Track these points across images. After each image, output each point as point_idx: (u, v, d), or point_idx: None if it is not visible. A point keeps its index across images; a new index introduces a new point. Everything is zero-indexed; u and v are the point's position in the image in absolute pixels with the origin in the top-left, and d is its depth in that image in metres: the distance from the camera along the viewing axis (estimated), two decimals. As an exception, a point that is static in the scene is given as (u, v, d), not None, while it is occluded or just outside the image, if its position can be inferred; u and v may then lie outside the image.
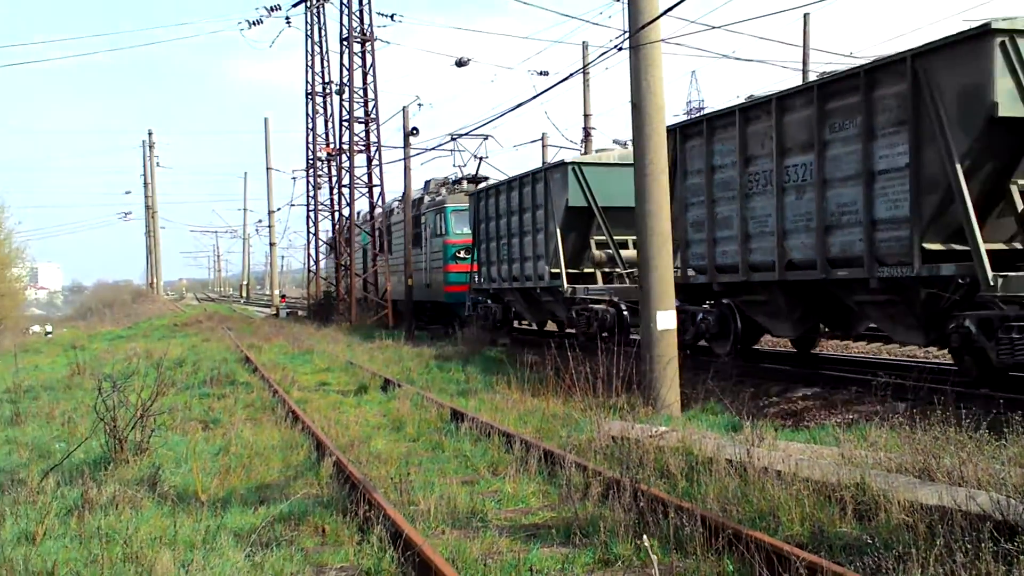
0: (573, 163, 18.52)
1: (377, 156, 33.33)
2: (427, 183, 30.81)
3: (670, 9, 11.36)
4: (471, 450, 8.94)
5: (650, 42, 11.31)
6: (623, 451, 7.70)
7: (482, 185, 23.07)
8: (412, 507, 6.67)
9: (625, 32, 11.88)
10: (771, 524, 5.73)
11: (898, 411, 8.83)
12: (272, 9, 38.24)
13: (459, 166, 28.67)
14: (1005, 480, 5.74)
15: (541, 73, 31.86)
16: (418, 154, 29.47)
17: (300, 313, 42.67)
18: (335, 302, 34.89)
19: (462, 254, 25.88)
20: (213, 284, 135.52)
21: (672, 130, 13.92)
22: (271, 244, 62.60)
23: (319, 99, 40.04)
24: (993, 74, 9.38)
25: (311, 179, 41.32)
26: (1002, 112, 9.41)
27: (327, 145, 37.99)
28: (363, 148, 33.47)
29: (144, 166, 64.48)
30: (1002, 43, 9.40)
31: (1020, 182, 9.95)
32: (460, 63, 28.57)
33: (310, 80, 40.58)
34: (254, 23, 38.41)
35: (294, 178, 74.53)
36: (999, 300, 9.34)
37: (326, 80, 39.53)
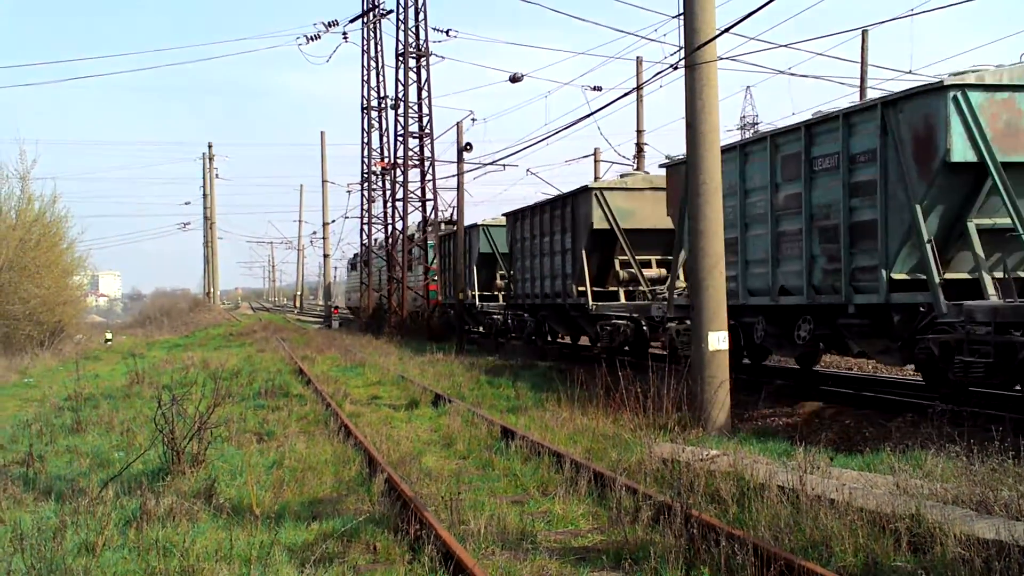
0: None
1: (431, 171, 33.61)
2: (418, 223, 36.28)
3: (727, 29, 11.36)
4: (521, 469, 8.96)
5: (705, 61, 11.29)
6: (674, 474, 7.67)
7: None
8: (463, 527, 6.71)
9: (680, 49, 11.88)
10: (824, 554, 5.68)
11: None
12: (330, 24, 38.80)
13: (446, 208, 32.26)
14: (1066, 515, 5.64)
15: (595, 88, 31.82)
16: (471, 170, 29.69)
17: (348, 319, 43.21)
18: (386, 314, 35.19)
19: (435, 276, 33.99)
20: (267, 294, 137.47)
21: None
22: (325, 256, 63.39)
23: (374, 113, 40.56)
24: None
25: (365, 192, 41.84)
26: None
27: (382, 159, 38.42)
28: (417, 163, 33.79)
29: (204, 178, 65.65)
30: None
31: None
32: (514, 78, 28.69)
33: (366, 94, 41.15)
34: (312, 38, 39.02)
35: (349, 191, 75.21)
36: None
37: (381, 95, 40.07)
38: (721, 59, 12.21)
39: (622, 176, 22.46)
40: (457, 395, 14.66)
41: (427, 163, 33.61)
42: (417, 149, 33.72)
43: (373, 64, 40.62)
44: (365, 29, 40.62)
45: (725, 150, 14.00)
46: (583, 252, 20.06)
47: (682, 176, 14.81)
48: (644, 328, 17.67)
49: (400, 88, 33.61)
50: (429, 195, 33.74)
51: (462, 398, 14.30)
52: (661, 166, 18.41)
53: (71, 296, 36.87)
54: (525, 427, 11.05)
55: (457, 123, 29.27)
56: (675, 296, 15.94)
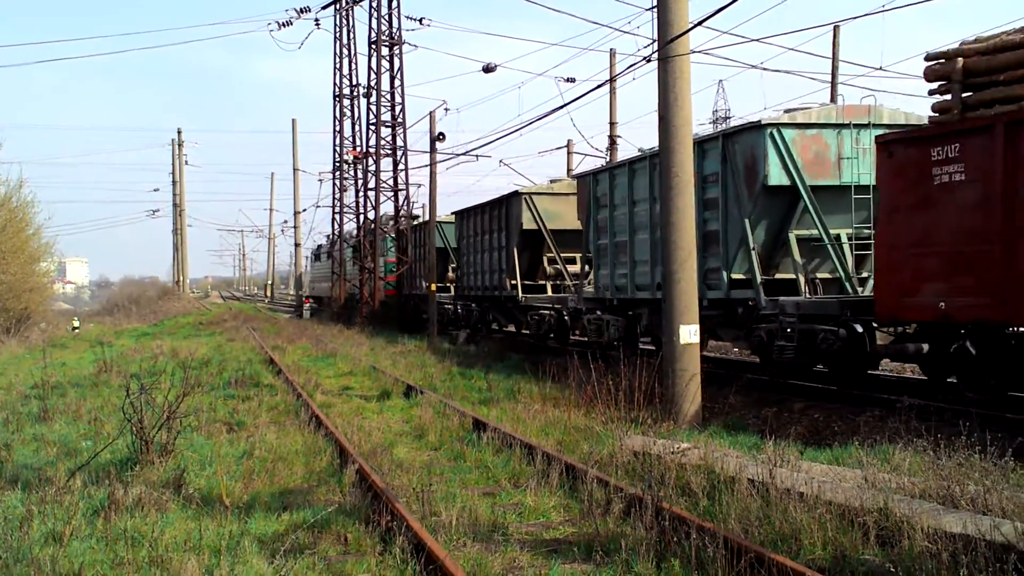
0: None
1: (403, 160, 33.47)
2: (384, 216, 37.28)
3: (700, 23, 11.36)
4: (493, 461, 8.96)
5: (678, 55, 11.31)
6: (645, 467, 7.71)
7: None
8: (434, 518, 6.71)
9: (654, 42, 11.89)
10: (793, 547, 5.73)
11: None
12: (302, 11, 38.45)
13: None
14: (1030, 509, 5.72)
15: (568, 80, 31.68)
16: (444, 160, 29.58)
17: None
18: (358, 304, 35.08)
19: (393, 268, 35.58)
20: (238, 283, 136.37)
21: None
22: (296, 245, 62.87)
23: (347, 102, 40.29)
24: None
25: (337, 181, 41.59)
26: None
27: (354, 148, 38.19)
28: (389, 152, 33.63)
29: (173, 164, 64.96)
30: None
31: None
32: (488, 69, 28.55)
33: (338, 82, 40.84)
34: (283, 24, 38.68)
35: (320, 180, 74.73)
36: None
37: (354, 83, 39.80)
38: (694, 52, 12.21)
39: (551, 181, 24.89)
40: (429, 386, 14.64)
41: (399, 152, 33.48)
42: (390, 138, 33.56)
43: (346, 52, 40.33)
44: (338, 16, 40.32)
45: (616, 166, 17.59)
46: (515, 250, 22.77)
47: (588, 186, 18.58)
48: (565, 318, 19.93)
49: (373, 76, 33.42)
50: (401, 185, 33.60)
51: (434, 389, 14.28)
52: (572, 176, 22.61)
53: (38, 283, 36.44)
54: (497, 419, 11.05)
55: (430, 112, 29.15)
56: (584, 290, 18.88)
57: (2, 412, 12.22)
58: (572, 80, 31.36)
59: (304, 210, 61.95)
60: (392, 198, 33.89)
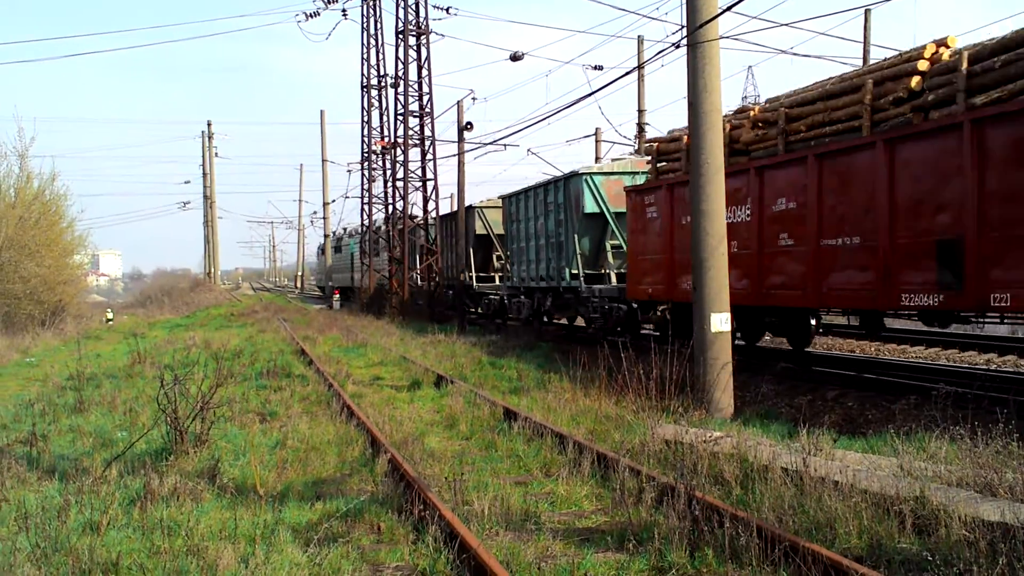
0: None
1: (431, 150, 33.49)
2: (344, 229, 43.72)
3: (729, 8, 11.26)
4: (524, 450, 8.97)
5: (707, 40, 11.22)
6: (677, 456, 7.68)
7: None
8: (466, 507, 6.71)
9: (682, 27, 11.81)
10: (828, 536, 5.68)
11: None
12: (329, 1, 38.58)
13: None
14: (1070, 497, 5.63)
15: (596, 68, 31.58)
16: (472, 149, 29.59)
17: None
18: (388, 295, 35.20)
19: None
20: (268, 274, 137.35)
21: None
22: (325, 236, 63.24)
23: (374, 92, 40.38)
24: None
25: (366, 172, 41.72)
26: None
27: (382, 138, 38.27)
28: (417, 142, 33.66)
29: (203, 156, 65.54)
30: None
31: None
32: (515, 57, 28.53)
33: (365, 73, 40.97)
34: (311, 15, 38.86)
35: (349, 171, 75.03)
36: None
37: (381, 73, 39.88)
38: (723, 38, 12.11)
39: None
40: (459, 376, 14.67)
41: (427, 142, 33.49)
42: (417, 128, 33.59)
43: (373, 42, 40.44)
44: (364, 6, 40.41)
45: (521, 192, 24.57)
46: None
47: (507, 205, 25.97)
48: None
49: (400, 66, 33.44)
50: (429, 175, 33.62)
51: (464, 379, 14.30)
52: (499, 197, 27.51)
53: (71, 275, 36.84)
54: (527, 408, 11.06)
55: (458, 102, 29.16)
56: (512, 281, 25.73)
57: (39, 403, 12.39)
58: (600, 68, 31.27)
59: (333, 201, 62.41)
60: (420, 188, 33.93)
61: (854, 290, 12.11)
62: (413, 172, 34.04)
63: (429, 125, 33.59)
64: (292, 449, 9.01)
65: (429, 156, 33.59)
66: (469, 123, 28.65)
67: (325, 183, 63.30)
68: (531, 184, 24.17)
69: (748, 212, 14.26)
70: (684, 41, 11.63)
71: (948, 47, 11.38)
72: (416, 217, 35.06)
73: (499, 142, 29.08)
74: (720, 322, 11.10)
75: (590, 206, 20.50)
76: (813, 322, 15.13)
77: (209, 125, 64.27)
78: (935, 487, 6.14)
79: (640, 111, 33.37)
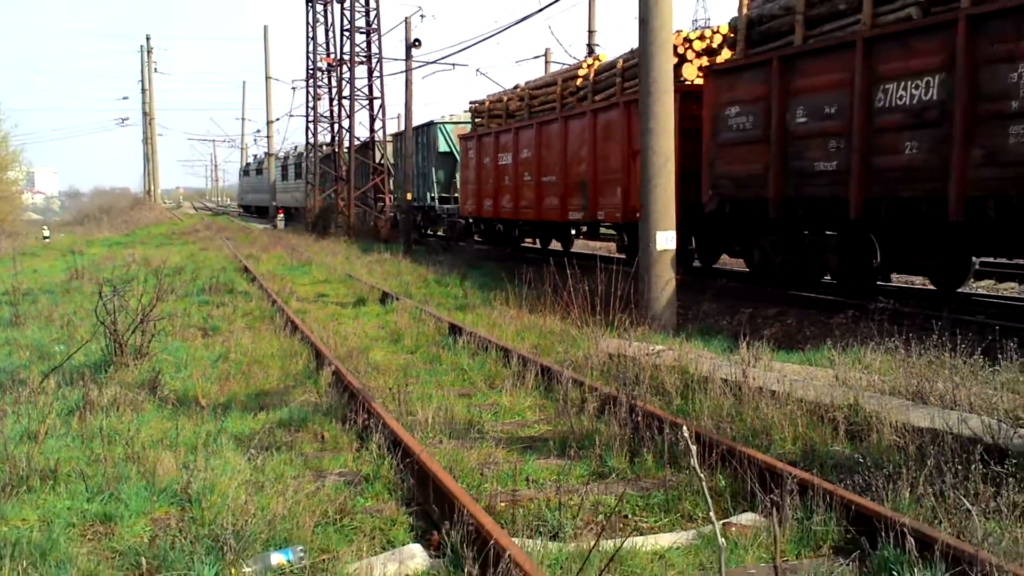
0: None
1: (378, 68, 32.84)
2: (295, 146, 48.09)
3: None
4: (468, 364, 9.01)
5: (660, -45, 11.04)
6: (619, 368, 7.76)
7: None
8: (410, 417, 6.74)
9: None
10: (764, 442, 5.82)
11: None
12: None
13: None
14: (997, 405, 5.83)
15: (547, -14, 31.11)
16: (419, 67, 29.09)
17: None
18: (333, 214, 34.83)
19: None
20: (210, 193, 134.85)
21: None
22: (267, 154, 62.01)
23: (320, 7, 39.27)
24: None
25: (311, 90, 40.81)
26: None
27: (327, 55, 37.40)
28: (364, 59, 32.96)
29: (142, 71, 63.53)
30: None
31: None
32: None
33: (311, -13, 39.73)
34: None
35: (294, 88, 73.61)
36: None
37: (327, -13, 38.72)
38: (676, -46, 11.94)
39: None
40: (405, 294, 14.63)
41: (374, 60, 32.81)
42: (364, 45, 32.84)
43: (318, -45, 39.15)
44: (310, -83, 39.01)
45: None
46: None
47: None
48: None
49: (346, -20, 32.53)
50: (376, 93, 33.02)
51: (410, 296, 14.27)
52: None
53: (6, 192, 35.88)
54: (473, 324, 11.08)
55: (406, 18, 28.52)
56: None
57: (-27, 318, 12.09)
58: (550, -15, 30.65)
59: (277, 119, 61.37)
60: (367, 107, 33.34)
61: (552, 208, 19.74)
62: (360, 90, 33.41)
63: (376, 42, 32.89)
64: (235, 363, 8.92)
65: (376, 74, 32.95)
66: (417, 40, 28.08)
67: (269, 101, 62.14)
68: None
69: (509, 157, 21.78)
70: (635, -46, 11.43)
71: (599, 60, 18.99)
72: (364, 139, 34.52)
73: (447, 60, 28.75)
74: (665, 240, 11.16)
75: (443, 147, 29.15)
76: (573, 232, 22.66)
77: (148, 39, 62.25)
78: (868, 395, 6.31)
79: (590, 32, 32.93)
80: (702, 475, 3.16)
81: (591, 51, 32.64)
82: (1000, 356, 6.78)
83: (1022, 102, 8.90)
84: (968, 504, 4.34)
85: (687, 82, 15.10)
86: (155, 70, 62.63)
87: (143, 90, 64.11)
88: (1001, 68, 9.13)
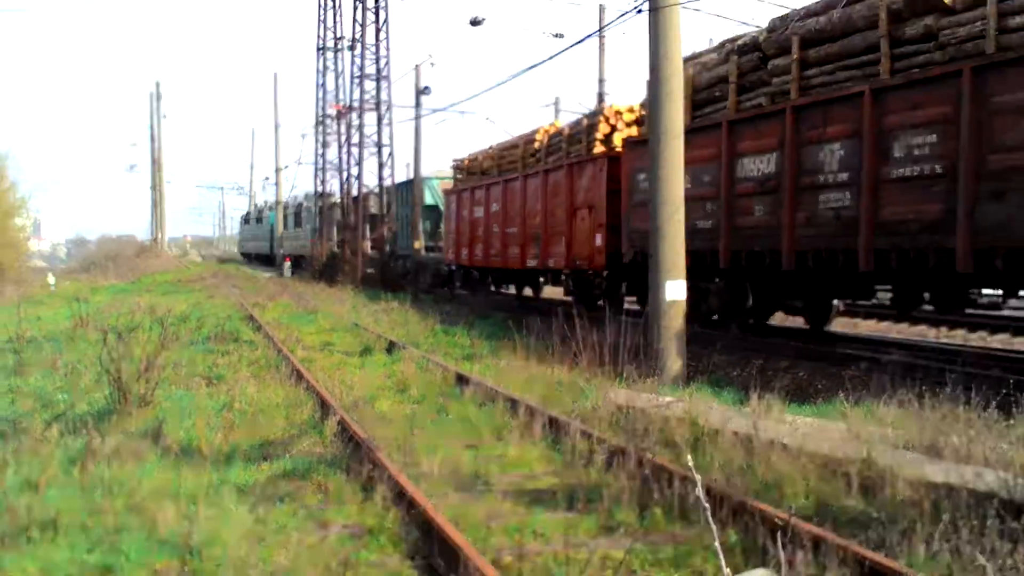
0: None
1: (388, 115, 33.13)
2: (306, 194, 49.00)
3: (689, -25, 11.26)
4: (475, 414, 8.91)
5: (668, 4, 11.16)
6: (628, 420, 7.67)
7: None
8: (415, 469, 6.64)
9: (644, -6, 11.73)
10: (776, 497, 5.71)
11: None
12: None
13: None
14: (1012, 459, 5.73)
15: (556, 35, 31.57)
16: (428, 114, 29.39)
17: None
18: (340, 263, 34.91)
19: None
20: (218, 241, 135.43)
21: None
22: (277, 202, 62.38)
23: (330, 55, 39.77)
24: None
25: (320, 137, 41.15)
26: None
27: (337, 103, 37.75)
28: (373, 107, 33.25)
29: (151, 118, 64.18)
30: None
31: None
32: (475, 22, 28.21)
33: (321, 35, 40.28)
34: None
35: (303, 136, 74.25)
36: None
37: (338, 35, 39.23)
38: (683, 6, 12.06)
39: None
40: (412, 343, 14.55)
41: (384, 107, 33.11)
42: (374, 92, 33.17)
43: (330, 3, 39.75)
44: (321, -33, 39.66)
45: (399, 186, 35.69)
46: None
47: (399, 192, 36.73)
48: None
49: (357, 28, 32.95)
50: (385, 141, 33.29)
51: (416, 346, 14.19)
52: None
53: (12, 239, 36.01)
54: (480, 374, 10.99)
55: (416, 66, 28.95)
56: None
57: (-24, 365, 12.05)
58: (560, 35, 31.15)
59: (286, 167, 61.31)
60: (376, 154, 33.57)
61: (515, 257, 22.63)
62: (368, 138, 33.67)
63: (386, 89, 33.23)
64: (239, 412, 8.84)
65: (386, 121, 33.23)
66: (427, 87, 28.49)
67: (277, 148, 62.36)
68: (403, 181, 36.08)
69: (482, 211, 24.66)
70: (646, 5, 11.58)
71: (555, 126, 22.14)
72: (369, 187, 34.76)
73: (457, 108, 28.93)
74: (674, 290, 11.11)
75: (429, 200, 33.64)
76: (542, 280, 24.05)
77: (158, 86, 63.01)
78: (882, 449, 6.21)
79: (600, 80, 33.30)
80: (715, 528, 3.09)
81: (601, 98, 32.97)
82: (1014, 410, 6.69)
83: (827, 176, 11.84)
84: (983, 560, 4.23)
85: (616, 149, 17.88)
86: (164, 117, 63.28)
87: (152, 137, 64.73)
88: (813, 148, 12.12)
